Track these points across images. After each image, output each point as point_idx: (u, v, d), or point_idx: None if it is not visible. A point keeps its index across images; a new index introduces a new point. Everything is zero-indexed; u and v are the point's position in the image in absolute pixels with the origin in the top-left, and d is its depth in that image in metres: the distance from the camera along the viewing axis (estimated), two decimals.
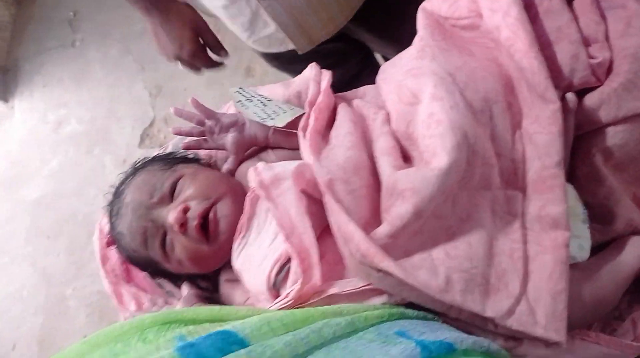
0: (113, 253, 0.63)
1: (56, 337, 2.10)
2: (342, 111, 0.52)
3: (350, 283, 0.42)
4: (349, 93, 0.58)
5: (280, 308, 0.43)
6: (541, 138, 0.43)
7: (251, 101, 0.55)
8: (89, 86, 2.63)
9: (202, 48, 0.86)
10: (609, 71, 0.45)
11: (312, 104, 0.52)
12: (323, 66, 1.01)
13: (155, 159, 0.63)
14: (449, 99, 0.42)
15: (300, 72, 1.03)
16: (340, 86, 1.16)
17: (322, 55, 0.89)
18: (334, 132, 0.50)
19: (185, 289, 0.58)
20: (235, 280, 0.58)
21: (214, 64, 0.90)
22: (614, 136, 0.46)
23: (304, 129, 0.49)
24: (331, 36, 0.85)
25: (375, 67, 1.13)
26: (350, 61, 1.03)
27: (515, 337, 0.41)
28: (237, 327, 0.33)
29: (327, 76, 0.55)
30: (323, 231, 0.46)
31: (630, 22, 0.44)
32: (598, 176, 0.46)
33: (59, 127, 2.62)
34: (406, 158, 0.46)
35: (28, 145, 2.72)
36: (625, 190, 0.48)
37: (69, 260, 2.23)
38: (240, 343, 0.32)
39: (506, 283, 0.40)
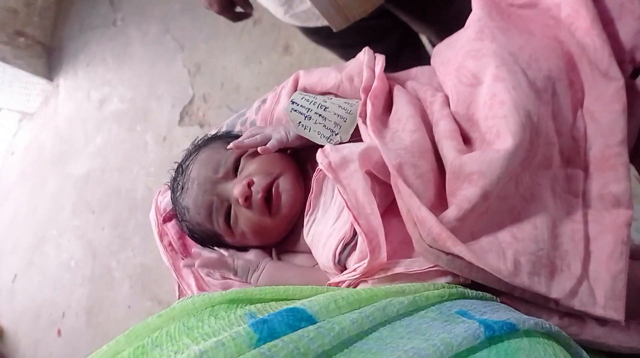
0: (170, 228, 0.66)
1: (102, 306, 2.20)
2: (400, 94, 0.52)
3: (415, 263, 0.43)
4: (401, 74, 0.58)
5: (347, 281, 0.45)
6: (604, 116, 0.42)
7: (310, 117, 0.54)
8: (130, 64, 2.68)
9: (228, 6, 0.99)
10: None
11: (367, 90, 0.52)
12: (361, 42, 1.00)
13: (216, 138, 0.65)
14: (512, 79, 0.42)
15: (339, 47, 1.03)
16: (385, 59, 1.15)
17: (360, 31, 0.88)
18: (394, 116, 0.50)
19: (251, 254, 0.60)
20: (294, 253, 0.60)
21: (240, 18, 1.04)
22: None
23: (363, 116, 0.50)
24: (368, 14, 0.84)
25: (417, 46, 1.11)
26: (390, 37, 1.02)
27: (573, 315, 0.42)
28: (305, 304, 0.34)
29: (380, 60, 0.55)
30: (386, 210, 0.47)
31: None
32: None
33: (102, 105, 2.70)
34: (466, 140, 0.46)
35: (73, 123, 2.82)
36: None
37: (113, 234, 2.32)
38: (309, 319, 0.33)
39: (569, 264, 0.40)
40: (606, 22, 0.43)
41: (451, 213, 0.40)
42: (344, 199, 0.44)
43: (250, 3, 1.03)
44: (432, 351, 0.30)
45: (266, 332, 0.32)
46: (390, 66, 1.19)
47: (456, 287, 0.40)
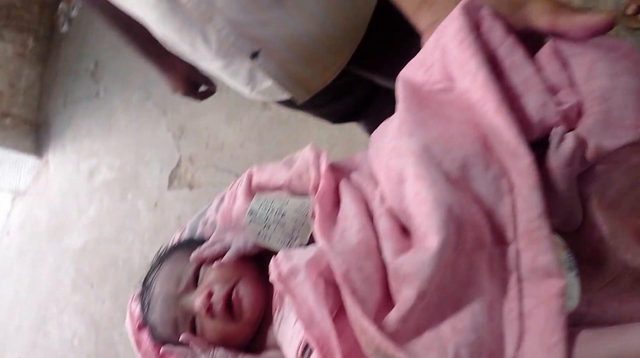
0: (145, 336, 0.65)
1: None
2: (345, 190, 0.53)
3: None
4: (347, 163, 0.59)
5: None
6: (523, 191, 0.43)
7: (269, 226, 0.56)
8: (116, 133, 2.72)
9: (192, 89, 1.06)
10: (580, 114, 0.45)
11: (314, 190, 0.54)
12: (331, 99, 1.02)
13: (177, 247, 0.66)
14: (429, 176, 0.43)
15: (310, 109, 1.05)
16: (354, 111, 1.16)
17: (328, 89, 0.91)
18: (341, 214, 0.51)
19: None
20: (265, 349, 0.60)
21: (205, 96, 1.11)
22: (602, 175, 0.46)
23: (313, 217, 0.51)
24: (327, 82, 0.86)
25: (387, 92, 1.12)
26: (358, 88, 1.04)
27: None
28: None
29: (324, 159, 0.57)
30: (342, 308, 0.47)
31: (591, 67, 0.44)
32: (592, 219, 0.46)
33: (92, 176, 2.72)
34: (406, 232, 0.47)
35: (65, 196, 2.84)
36: (623, 225, 0.47)
37: (114, 306, 2.30)
38: None
39: (504, 347, 0.41)
40: (513, 98, 0.45)
41: (393, 316, 0.41)
42: (294, 309, 0.45)
43: (212, 81, 1.06)
44: None
45: None
46: (362, 115, 1.20)
47: None
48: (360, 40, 0.82)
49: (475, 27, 0.44)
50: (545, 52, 0.45)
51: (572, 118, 0.44)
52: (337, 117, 1.15)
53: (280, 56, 0.77)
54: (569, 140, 0.42)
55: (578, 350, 0.42)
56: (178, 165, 2.40)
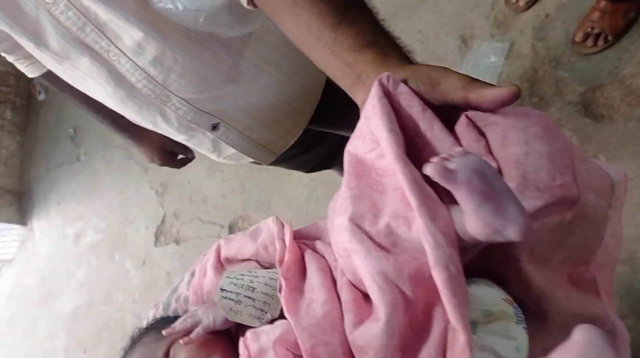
0: None
1: None
2: (310, 261, 0.56)
3: None
4: (311, 230, 0.63)
5: None
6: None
7: (240, 302, 0.58)
8: (99, 195, 2.74)
9: (169, 158, 1.10)
10: None
11: (281, 262, 0.57)
12: (301, 151, 1.06)
13: (148, 329, 0.68)
14: (362, 249, 0.46)
15: (282, 162, 1.09)
16: (326, 159, 1.21)
17: (296, 144, 0.95)
18: (307, 285, 0.54)
19: None
20: None
21: (183, 163, 1.14)
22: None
23: (281, 291, 0.54)
24: (290, 143, 0.91)
25: None
26: (326, 139, 1.08)
27: None
28: None
29: (288, 230, 0.60)
30: None
31: (504, 135, 0.47)
32: (526, 277, 0.49)
33: (79, 239, 2.73)
34: (368, 298, 0.50)
35: (53, 261, 2.83)
36: (559, 277, 0.50)
37: None
38: None
39: None
40: None
41: None
42: None
43: (189, 148, 1.10)
44: None
45: None
46: (334, 162, 1.24)
47: None
48: (318, 102, 0.87)
49: (391, 100, 0.49)
50: (461, 124, 0.49)
51: None
52: (310, 167, 1.19)
53: (241, 125, 0.81)
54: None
55: None
56: (163, 221, 2.43)
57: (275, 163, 1.07)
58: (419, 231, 0.44)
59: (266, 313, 0.57)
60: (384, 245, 0.47)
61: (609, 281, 0.55)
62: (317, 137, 1.05)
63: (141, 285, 2.36)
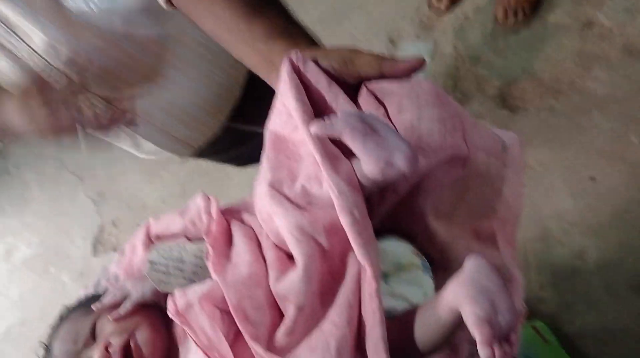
0: None
1: None
2: (237, 230, 0.60)
3: None
4: (239, 206, 0.66)
5: None
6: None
7: (169, 273, 0.60)
8: (32, 208, 2.63)
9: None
10: None
11: (207, 234, 0.60)
12: (229, 146, 1.08)
13: (76, 307, 0.69)
14: (280, 210, 0.51)
15: (213, 156, 1.10)
16: (255, 156, 1.23)
17: (223, 138, 0.97)
18: (234, 251, 0.57)
19: None
20: None
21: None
22: (431, 192, 0.55)
23: (207, 258, 0.57)
24: (211, 138, 0.93)
25: None
26: (248, 140, 1.11)
27: None
28: None
29: (214, 204, 0.63)
30: (237, 333, 0.53)
31: (400, 103, 0.53)
32: (431, 232, 0.54)
33: (10, 256, 2.60)
34: (292, 258, 0.54)
35: None
36: (462, 231, 0.56)
37: None
38: None
39: (363, 332, 0.48)
40: None
41: (280, 331, 0.48)
42: (193, 339, 0.50)
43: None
44: None
45: None
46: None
47: None
48: (237, 100, 0.90)
49: (300, 77, 0.54)
50: (363, 95, 0.55)
51: None
52: (243, 161, 1.22)
53: (159, 122, 0.84)
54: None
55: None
56: (101, 231, 2.36)
57: (207, 155, 1.09)
58: (326, 186, 0.49)
59: (195, 283, 0.60)
60: (301, 205, 0.51)
61: (512, 234, 0.61)
62: (243, 135, 1.08)
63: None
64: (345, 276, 0.49)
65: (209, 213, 0.62)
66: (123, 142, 0.88)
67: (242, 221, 0.62)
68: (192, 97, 0.83)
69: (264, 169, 0.54)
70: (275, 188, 0.52)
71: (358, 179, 0.50)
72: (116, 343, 0.59)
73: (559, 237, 1.50)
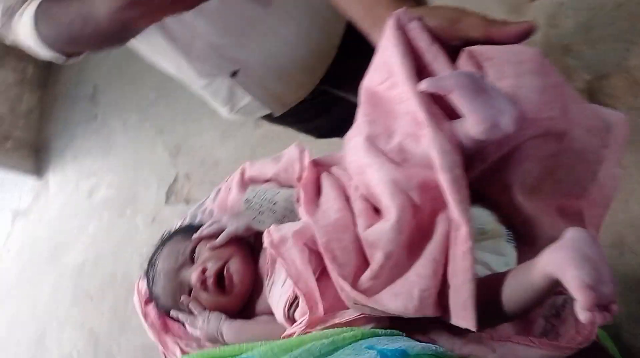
0: (151, 309, 0.76)
1: None
2: (326, 180, 0.64)
3: (346, 314, 0.54)
4: (328, 159, 0.70)
5: (297, 332, 0.55)
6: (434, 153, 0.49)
7: (262, 212, 0.66)
8: (114, 153, 2.83)
9: None
10: None
11: (298, 180, 0.65)
12: (313, 115, 1.12)
13: (178, 231, 0.77)
14: (376, 163, 0.53)
15: (292, 124, 1.15)
16: (336, 127, 1.27)
17: (309, 106, 1.01)
18: (323, 198, 0.62)
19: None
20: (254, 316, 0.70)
21: None
22: (519, 166, 0.55)
23: (298, 201, 0.62)
24: (303, 98, 0.97)
25: None
26: (337, 107, 1.14)
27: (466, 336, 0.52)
28: (249, 355, 0.44)
29: (307, 154, 0.68)
30: (322, 273, 0.57)
31: (500, 69, 0.52)
32: (516, 204, 0.55)
33: (92, 195, 2.82)
34: (378, 211, 0.57)
35: (65, 215, 2.93)
36: (547, 207, 0.56)
37: (113, 319, 2.37)
38: None
39: (449, 285, 0.50)
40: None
41: (366, 275, 0.51)
42: (284, 269, 0.56)
43: None
44: None
45: None
46: (344, 131, 1.30)
47: (369, 328, 0.51)
48: (331, 62, 0.93)
49: (404, 36, 0.55)
50: (463, 58, 0.56)
51: None
52: (321, 133, 1.26)
53: (257, 74, 0.88)
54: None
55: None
56: (175, 182, 2.51)
57: (288, 123, 1.13)
58: (427, 144, 0.51)
59: (284, 223, 0.65)
60: (395, 160, 0.54)
61: (600, 218, 0.60)
62: (330, 102, 1.11)
63: (150, 241, 2.43)
64: (434, 234, 0.51)
65: (301, 162, 0.67)
66: (220, 95, 0.93)
67: (330, 173, 0.66)
68: (290, 53, 0.87)
69: (361, 123, 0.57)
70: (372, 141, 0.54)
71: (459, 141, 0.51)
72: (212, 268, 0.67)
73: (633, 246, 1.44)
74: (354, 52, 0.93)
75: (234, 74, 0.86)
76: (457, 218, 0.48)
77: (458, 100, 0.48)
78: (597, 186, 0.57)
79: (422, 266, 0.51)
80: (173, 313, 0.71)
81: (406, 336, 0.51)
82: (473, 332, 0.51)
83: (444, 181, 0.48)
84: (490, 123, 0.47)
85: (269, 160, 0.73)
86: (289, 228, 0.58)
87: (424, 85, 0.48)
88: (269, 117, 1.06)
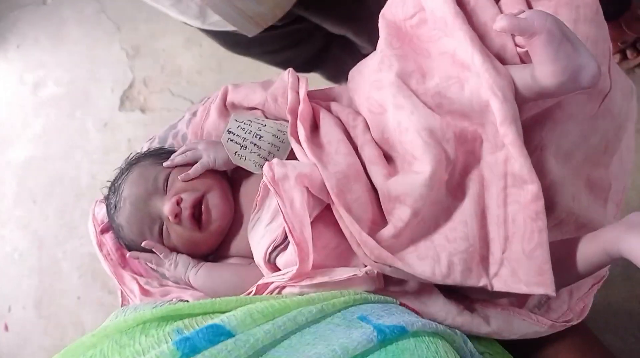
0: (108, 239, 0.68)
1: (51, 298, 2.18)
2: (326, 117, 0.56)
3: (336, 273, 0.49)
4: (324, 94, 0.62)
5: (275, 283, 0.50)
6: (494, 104, 0.45)
7: (246, 147, 0.57)
8: (65, 47, 2.58)
9: None
10: None
11: (293, 112, 0.56)
12: (287, 45, 1.02)
13: (147, 155, 0.68)
14: (408, 105, 0.47)
15: (262, 55, 1.05)
16: (311, 61, 1.17)
17: (280, 36, 0.92)
18: (324, 138, 0.54)
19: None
20: (227, 257, 0.64)
21: None
22: (559, 124, 0.51)
23: (295, 136, 0.54)
24: (280, 20, 0.88)
25: (343, 40, 1.15)
26: (313, 38, 1.05)
27: (477, 311, 0.48)
28: (224, 320, 0.39)
29: (304, 83, 0.59)
30: (315, 220, 0.52)
31: (556, 11, 0.47)
32: (544, 167, 0.51)
33: (38, 89, 2.59)
34: (389, 159, 0.51)
35: (9, 107, 2.69)
36: (576, 176, 0.52)
37: (58, 223, 2.28)
38: (228, 334, 0.38)
39: (493, 251, 0.46)
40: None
41: (388, 231, 0.46)
42: (281, 210, 0.49)
43: None
44: (331, 356, 0.36)
45: (188, 348, 0.36)
46: (319, 65, 1.21)
47: (360, 293, 0.46)
48: None
49: None
50: None
51: (528, 61, 0.48)
52: (295, 65, 1.16)
53: None
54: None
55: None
56: (131, 86, 2.33)
57: (255, 54, 1.03)
58: (475, 90, 0.44)
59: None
60: (429, 104, 0.47)
61: (620, 194, 0.57)
62: (303, 34, 1.01)
63: (100, 147, 2.32)
64: (466, 195, 0.46)
65: (296, 91, 0.58)
66: (190, 12, 0.82)
67: (329, 110, 0.58)
68: None
69: (388, 57, 0.49)
70: (403, 79, 0.47)
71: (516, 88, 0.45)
72: (188, 199, 0.59)
73: None
74: None
75: None
76: (525, 174, 0.42)
77: (541, 45, 0.41)
78: (618, 158, 0.54)
79: (450, 230, 0.46)
80: (132, 254, 0.64)
81: (399, 304, 0.47)
82: (471, 300, 0.48)
83: (509, 133, 0.42)
84: (569, 75, 0.41)
85: (256, 85, 0.64)
86: (294, 166, 0.51)
87: (504, 22, 0.40)
88: (235, 47, 0.96)
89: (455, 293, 0.51)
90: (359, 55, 1.08)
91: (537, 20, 0.41)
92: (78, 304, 2.10)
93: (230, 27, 0.90)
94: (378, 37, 0.55)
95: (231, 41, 0.95)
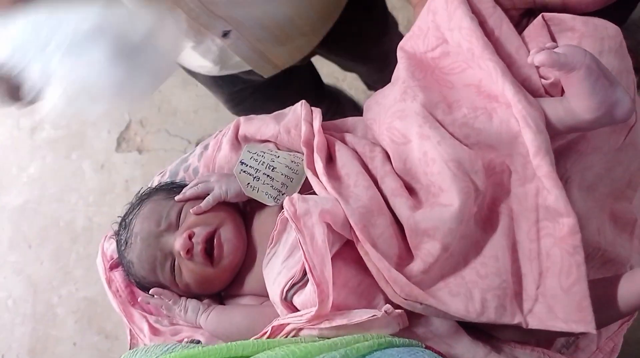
0: (117, 275, 0.67)
1: (46, 345, 2.12)
2: (342, 149, 0.55)
3: (357, 315, 0.46)
4: (338, 125, 0.61)
5: (291, 324, 0.48)
6: (527, 134, 0.44)
7: (258, 178, 0.56)
8: None
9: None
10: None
11: (308, 144, 0.56)
12: (301, 82, 1.03)
13: (158, 189, 0.67)
14: (435, 135, 0.46)
15: (281, 90, 1.06)
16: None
17: (301, 70, 0.93)
18: (342, 170, 0.53)
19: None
20: (240, 296, 0.62)
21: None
22: (583, 157, 0.50)
23: (312, 169, 0.52)
24: (297, 61, 0.89)
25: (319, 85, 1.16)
26: (296, 77, 1.05)
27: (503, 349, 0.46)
28: None
29: (318, 115, 0.59)
30: (334, 257, 0.50)
31: (579, 43, 0.48)
32: (571, 198, 0.50)
33: (34, 133, 2.59)
34: (411, 191, 0.50)
35: (4, 151, 2.69)
36: (600, 209, 0.51)
37: (53, 267, 2.23)
38: None
39: (526, 286, 0.44)
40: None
41: (417, 267, 0.44)
42: (302, 248, 0.47)
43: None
44: None
45: None
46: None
47: (384, 337, 0.44)
48: (333, 24, 0.84)
49: None
50: (536, 26, 0.49)
51: (554, 93, 0.49)
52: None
53: (252, 36, 0.77)
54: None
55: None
56: (127, 128, 2.34)
57: (277, 85, 1.04)
58: (505, 120, 0.44)
59: (283, 194, 0.57)
60: (456, 135, 0.46)
61: None
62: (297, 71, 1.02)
63: (97, 189, 2.30)
64: (497, 228, 0.45)
65: (310, 123, 0.58)
66: (210, 56, 0.82)
67: (344, 142, 0.58)
68: (291, 13, 0.76)
69: (411, 88, 0.49)
70: (429, 110, 0.47)
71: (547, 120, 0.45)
72: (200, 234, 0.58)
73: None
74: (358, 12, 0.85)
75: (225, 34, 0.75)
76: (561, 207, 0.41)
77: (579, 80, 0.42)
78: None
79: (481, 265, 0.44)
80: (144, 298, 0.62)
81: (424, 347, 0.45)
82: (497, 340, 0.46)
83: (543, 164, 0.42)
84: (606, 110, 0.42)
85: (268, 117, 0.64)
86: (316, 202, 0.49)
87: (543, 57, 0.41)
88: (239, 93, 0.97)
89: (479, 332, 0.49)
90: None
91: (577, 56, 0.41)
92: (74, 351, 2.03)
93: (244, 69, 0.90)
94: (389, 74, 0.55)
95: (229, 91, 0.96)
